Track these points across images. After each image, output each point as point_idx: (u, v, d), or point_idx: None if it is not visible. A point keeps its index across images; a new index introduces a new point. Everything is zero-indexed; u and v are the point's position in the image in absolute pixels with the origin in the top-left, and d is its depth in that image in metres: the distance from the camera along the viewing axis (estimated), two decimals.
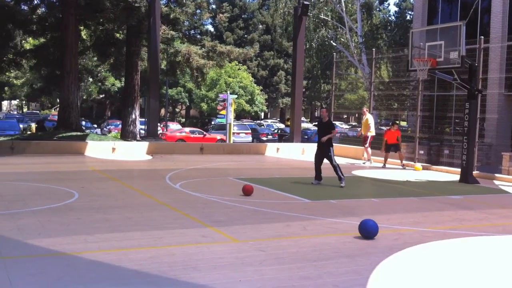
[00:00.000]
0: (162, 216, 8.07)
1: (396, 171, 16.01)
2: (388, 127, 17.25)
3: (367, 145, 17.89)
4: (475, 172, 14.67)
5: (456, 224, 8.35)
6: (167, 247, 6.29)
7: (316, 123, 12.97)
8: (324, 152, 12.10)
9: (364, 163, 18.12)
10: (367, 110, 18.39)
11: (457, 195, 11.58)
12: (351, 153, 20.00)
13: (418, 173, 15.70)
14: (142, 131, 27.49)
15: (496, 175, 14.85)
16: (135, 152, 18.36)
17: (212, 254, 6.03)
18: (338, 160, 19.10)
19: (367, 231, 7.02)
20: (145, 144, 18.83)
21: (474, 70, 14.17)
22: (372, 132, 17.91)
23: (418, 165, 16.75)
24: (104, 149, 18.10)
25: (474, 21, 22.43)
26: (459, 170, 14.54)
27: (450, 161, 17.10)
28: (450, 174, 15.59)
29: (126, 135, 25.07)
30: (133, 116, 25.51)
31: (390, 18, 48.75)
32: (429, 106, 23.07)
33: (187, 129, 34.77)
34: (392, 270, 5.75)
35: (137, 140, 22.69)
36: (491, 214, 9.33)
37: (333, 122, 13.22)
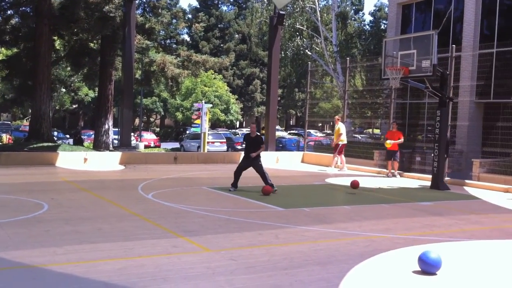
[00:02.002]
0: (133, 226, 7.98)
1: (368, 179, 16.11)
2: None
3: (338, 152, 18.15)
4: (446, 179, 14.88)
5: (426, 230, 8.44)
6: (137, 258, 6.22)
7: (244, 137, 13.23)
8: (252, 162, 12.32)
9: (339, 170, 18.27)
10: (339, 119, 18.64)
11: (427, 201, 11.72)
12: (324, 161, 20.09)
13: (390, 180, 15.83)
14: (116, 141, 27.24)
15: (467, 181, 15.08)
16: (108, 162, 18.16)
17: (183, 264, 5.99)
18: (312, 167, 19.34)
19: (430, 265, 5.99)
20: (118, 154, 18.64)
21: (446, 78, 14.41)
22: (343, 141, 18.21)
23: (389, 142, 16.42)
24: (76, 159, 17.85)
25: (447, 30, 22.80)
26: (430, 176, 14.74)
27: (422, 168, 17.30)
28: (421, 181, 15.78)
29: (99, 145, 24.82)
30: (106, 126, 25.27)
31: (364, 28, 49.34)
32: (401, 114, 23.35)
33: None
34: (362, 277, 5.78)
35: (110, 150, 22.46)
36: (460, 220, 9.46)
37: (262, 137, 13.43)
